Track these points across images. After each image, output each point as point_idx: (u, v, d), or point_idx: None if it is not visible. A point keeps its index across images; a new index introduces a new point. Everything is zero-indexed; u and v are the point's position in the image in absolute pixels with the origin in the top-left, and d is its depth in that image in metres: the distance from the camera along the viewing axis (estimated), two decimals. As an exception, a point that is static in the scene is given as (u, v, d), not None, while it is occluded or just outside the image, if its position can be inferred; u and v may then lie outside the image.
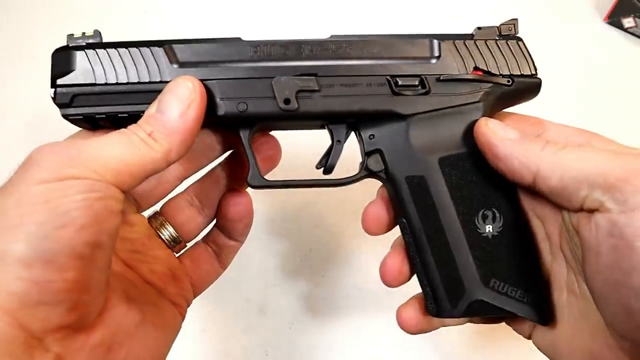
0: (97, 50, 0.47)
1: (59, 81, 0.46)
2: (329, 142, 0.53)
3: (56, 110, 0.47)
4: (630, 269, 0.36)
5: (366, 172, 0.51)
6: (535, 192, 0.44)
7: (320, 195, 0.81)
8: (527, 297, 0.47)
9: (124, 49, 0.47)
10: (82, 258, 0.36)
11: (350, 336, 0.76)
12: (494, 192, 0.48)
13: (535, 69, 0.50)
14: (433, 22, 0.96)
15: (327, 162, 0.52)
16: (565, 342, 0.46)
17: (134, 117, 0.44)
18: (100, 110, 0.46)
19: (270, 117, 0.48)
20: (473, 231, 0.48)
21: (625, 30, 0.98)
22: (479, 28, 0.51)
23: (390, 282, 0.52)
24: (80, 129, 0.50)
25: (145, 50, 0.47)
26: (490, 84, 0.49)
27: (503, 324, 0.53)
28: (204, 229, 0.57)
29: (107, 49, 0.47)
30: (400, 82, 0.48)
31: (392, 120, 0.49)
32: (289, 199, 0.82)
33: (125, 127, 0.43)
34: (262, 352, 0.75)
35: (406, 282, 0.53)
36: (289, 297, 0.77)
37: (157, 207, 0.55)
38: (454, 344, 0.76)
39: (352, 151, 0.52)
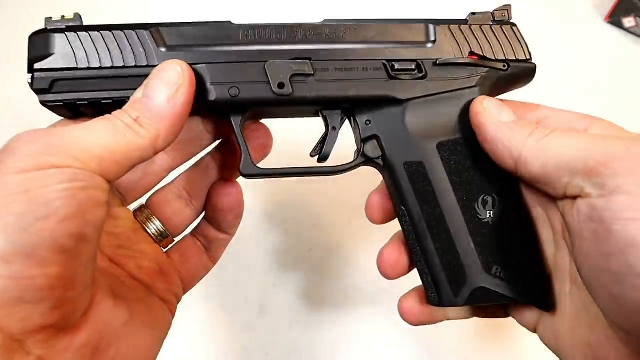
0: (78, 33, 0.44)
1: (37, 65, 0.43)
2: (322, 130, 0.51)
3: (43, 111, 0.45)
4: (609, 254, 0.35)
5: (363, 158, 0.49)
6: (519, 178, 0.45)
7: (320, 194, 0.81)
8: (528, 283, 0.47)
9: (108, 31, 0.45)
10: (65, 252, 0.33)
11: (349, 335, 0.76)
12: (493, 178, 0.48)
13: (530, 54, 0.50)
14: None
15: (321, 150, 0.50)
16: (567, 334, 0.45)
17: (119, 104, 0.42)
18: (82, 96, 0.44)
19: (264, 103, 0.47)
20: (473, 217, 0.47)
21: (626, 30, 0.98)
22: (473, 13, 0.51)
23: (387, 273, 0.52)
24: (61, 118, 0.47)
25: (130, 33, 0.45)
26: (487, 69, 0.49)
27: (503, 320, 0.53)
28: (192, 222, 0.55)
29: (90, 32, 0.44)
30: (396, 67, 0.48)
31: (388, 105, 0.48)
32: (288, 198, 0.82)
33: (109, 114, 0.41)
34: (262, 352, 0.74)
35: (405, 274, 0.52)
36: (289, 297, 0.77)
37: (142, 200, 0.53)
38: (453, 343, 0.76)
39: (345, 139, 0.51)
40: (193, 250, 0.54)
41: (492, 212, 0.48)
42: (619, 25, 0.97)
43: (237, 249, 0.78)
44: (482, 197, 0.48)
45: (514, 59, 0.50)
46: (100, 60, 0.44)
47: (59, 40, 0.44)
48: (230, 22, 0.47)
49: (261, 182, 0.79)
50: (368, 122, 0.49)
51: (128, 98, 0.42)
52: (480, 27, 0.50)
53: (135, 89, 0.42)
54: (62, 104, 0.44)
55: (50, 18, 0.45)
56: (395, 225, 0.53)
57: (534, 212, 0.48)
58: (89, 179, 0.35)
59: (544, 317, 0.48)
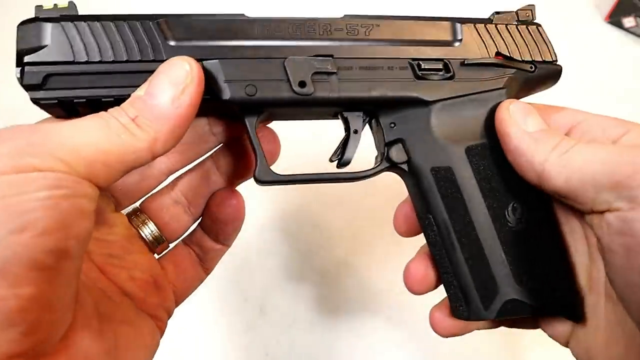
0: (75, 22, 0.40)
1: (27, 58, 0.39)
2: (337, 132, 0.48)
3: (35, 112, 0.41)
4: None
5: (387, 163, 0.47)
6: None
7: (321, 194, 0.81)
8: (560, 294, 0.44)
9: (109, 22, 0.41)
10: (43, 269, 0.29)
11: (350, 336, 0.76)
12: (523, 184, 0.44)
13: (556, 55, 0.49)
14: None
15: (342, 155, 0.47)
16: (600, 350, 0.43)
17: (121, 102, 0.38)
18: (79, 93, 0.39)
19: (282, 103, 0.43)
20: (504, 225, 0.45)
21: (626, 30, 0.97)
22: (498, 13, 0.49)
23: (414, 288, 0.49)
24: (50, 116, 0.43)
25: (134, 24, 0.41)
26: (514, 70, 0.47)
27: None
28: (189, 228, 0.51)
29: (88, 22, 0.40)
30: (423, 66, 0.45)
31: (414, 106, 0.45)
32: (288, 198, 0.81)
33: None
34: (262, 352, 0.74)
35: (432, 289, 0.50)
36: (289, 297, 0.77)
37: (137, 203, 0.50)
38: (453, 343, 0.76)
39: (363, 143, 0.48)
40: (187, 261, 0.50)
41: (522, 220, 0.45)
42: (619, 25, 0.97)
43: (237, 249, 0.78)
44: (512, 204, 0.45)
45: (541, 60, 0.48)
46: (100, 54, 0.40)
47: (53, 30, 0.39)
48: (243, 14, 0.44)
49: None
50: (393, 125, 0.46)
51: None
52: (506, 27, 0.48)
53: (139, 86, 0.38)
54: (56, 101, 0.39)
55: (41, 6, 0.40)
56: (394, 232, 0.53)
57: (568, 224, 0.46)
58: (74, 185, 0.31)
59: (576, 331, 0.46)
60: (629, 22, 0.96)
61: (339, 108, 0.47)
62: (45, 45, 0.39)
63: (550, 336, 0.49)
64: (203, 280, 0.52)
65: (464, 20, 0.47)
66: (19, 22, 0.39)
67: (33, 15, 0.40)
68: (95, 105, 0.40)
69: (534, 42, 0.48)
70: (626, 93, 0.94)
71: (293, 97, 0.43)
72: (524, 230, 0.45)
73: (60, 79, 0.39)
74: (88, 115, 0.35)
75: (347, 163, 0.48)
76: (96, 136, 0.33)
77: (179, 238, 0.51)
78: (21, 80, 0.39)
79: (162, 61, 0.39)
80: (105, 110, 0.37)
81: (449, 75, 0.46)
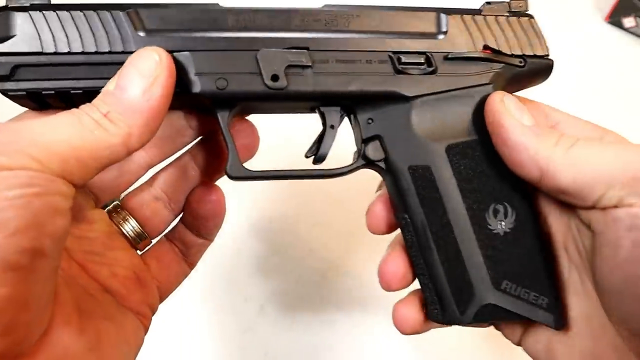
0: (44, 12, 0.39)
1: None
2: (318, 128, 0.47)
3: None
4: None
5: (364, 161, 0.45)
6: (537, 188, 0.42)
7: (321, 193, 0.81)
8: (540, 300, 0.43)
9: (79, 11, 0.39)
10: (17, 269, 0.29)
11: (350, 336, 0.76)
12: (506, 185, 0.44)
13: (548, 49, 0.46)
14: None
15: (318, 151, 0.45)
16: (562, 346, 0.44)
17: (90, 94, 0.37)
18: (48, 85, 0.39)
19: (255, 97, 0.42)
20: (483, 228, 0.43)
21: (626, 30, 0.98)
22: (488, 3, 0.46)
23: (391, 285, 0.48)
24: (26, 109, 0.42)
25: (104, 14, 0.40)
26: (502, 64, 0.45)
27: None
28: (170, 223, 0.50)
29: (58, 11, 0.39)
30: (403, 60, 0.43)
31: (393, 102, 0.44)
32: (288, 197, 0.81)
33: (78, 106, 0.36)
34: (262, 352, 0.74)
35: (408, 286, 0.49)
36: (289, 297, 0.77)
37: (117, 199, 0.49)
38: (454, 343, 0.76)
39: (343, 139, 0.47)
40: (170, 256, 0.50)
41: (503, 223, 0.44)
42: (619, 25, 0.97)
43: (237, 249, 0.78)
44: (493, 206, 0.44)
45: (531, 54, 0.46)
46: (69, 45, 0.39)
47: (21, 19, 0.38)
48: (217, 4, 0.43)
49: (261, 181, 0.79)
50: (370, 121, 0.45)
51: (101, 88, 0.37)
52: (496, 19, 0.45)
53: (109, 78, 0.37)
54: (24, 93, 0.39)
55: None
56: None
57: (560, 220, 0.45)
58: (47, 183, 0.31)
59: (531, 330, 0.46)
60: (629, 22, 0.96)
61: (314, 102, 0.45)
62: (14, 36, 0.38)
63: (504, 335, 0.49)
64: (187, 275, 0.52)
65: (450, 11, 0.45)
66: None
67: (3, 4, 0.39)
68: (65, 97, 0.40)
69: (525, 34, 0.46)
70: (626, 93, 0.94)
71: (265, 91, 0.41)
72: (505, 233, 0.44)
73: (28, 70, 0.38)
74: (60, 112, 0.35)
75: (322, 159, 0.46)
76: (68, 133, 0.33)
77: (160, 233, 0.50)
78: None
79: (132, 52, 0.38)
80: (76, 103, 0.37)
81: (430, 69, 0.44)
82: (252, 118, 0.51)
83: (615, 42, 0.97)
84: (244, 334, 0.75)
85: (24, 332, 0.30)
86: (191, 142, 0.49)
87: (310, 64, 0.42)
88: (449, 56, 0.44)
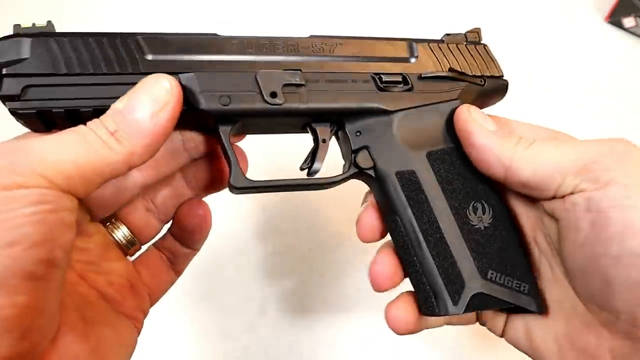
0: (56, 38, 0.41)
1: (6, 70, 0.40)
2: (306, 145, 0.51)
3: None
4: (608, 238, 0.39)
5: (355, 169, 0.49)
6: (503, 185, 0.47)
7: (318, 194, 0.81)
8: (523, 287, 0.47)
9: (88, 37, 0.42)
10: (35, 279, 0.32)
11: (350, 336, 0.76)
12: (481, 185, 0.49)
13: (502, 71, 0.54)
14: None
15: (313, 163, 0.50)
16: (540, 330, 0.47)
17: (99, 113, 0.40)
18: (58, 104, 0.40)
19: (255, 113, 0.46)
20: (466, 223, 0.48)
21: (626, 30, 0.98)
22: (448, 34, 0.54)
23: (382, 285, 0.51)
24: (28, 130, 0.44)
25: (113, 40, 0.43)
26: (466, 83, 0.52)
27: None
28: (159, 232, 0.54)
29: (68, 37, 0.42)
30: (384, 79, 0.49)
31: (377, 116, 0.49)
32: (287, 198, 0.81)
33: (85, 123, 0.38)
34: (262, 352, 0.74)
35: (397, 285, 0.52)
36: (289, 297, 0.77)
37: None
38: (454, 342, 0.76)
39: (331, 152, 0.51)
40: (160, 264, 0.53)
41: (482, 219, 0.49)
42: (619, 25, 0.98)
43: (237, 249, 0.79)
44: (472, 204, 0.49)
45: (489, 75, 0.53)
46: (80, 66, 0.41)
47: (33, 43, 0.41)
48: (216, 34, 0.47)
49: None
50: (358, 134, 0.49)
51: (109, 107, 0.40)
52: (456, 46, 0.53)
53: (118, 97, 0.39)
54: (34, 111, 0.40)
55: (19, 25, 0.42)
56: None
57: (529, 214, 0.50)
58: (56, 199, 0.33)
59: (511, 320, 0.50)
60: (629, 22, 0.96)
61: (308, 119, 0.49)
62: (25, 59, 0.40)
63: (488, 328, 0.53)
64: (174, 282, 0.55)
65: (418, 41, 0.52)
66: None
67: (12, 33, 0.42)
68: (74, 116, 0.41)
69: (482, 59, 0.54)
70: (626, 93, 0.94)
71: (265, 107, 0.45)
72: (485, 227, 0.48)
73: (39, 90, 0.40)
74: (67, 130, 0.37)
75: (316, 172, 0.50)
76: (74, 152, 0.35)
77: (150, 240, 0.53)
78: None
79: (141, 74, 0.41)
80: (84, 121, 0.39)
81: (407, 87, 0.50)
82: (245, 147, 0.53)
83: (615, 42, 0.97)
84: (244, 334, 0.75)
85: (39, 336, 0.33)
86: (184, 164, 0.52)
87: (303, 83, 0.47)
88: (422, 75, 0.51)
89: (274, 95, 0.46)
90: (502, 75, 0.54)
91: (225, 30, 0.48)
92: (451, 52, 0.53)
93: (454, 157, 0.49)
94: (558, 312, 0.47)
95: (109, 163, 0.36)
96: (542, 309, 0.47)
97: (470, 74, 0.52)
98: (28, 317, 0.32)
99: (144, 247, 0.53)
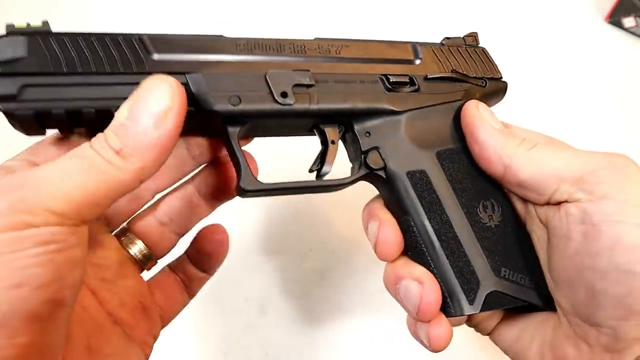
0: (54, 36, 0.39)
1: (1, 69, 0.37)
2: (311, 150, 0.50)
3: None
4: (597, 252, 0.39)
5: (366, 170, 0.49)
6: (500, 183, 0.48)
7: (319, 195, 0.81)
8: (534, 284, 0.47)
9: (90, 36, 0.40)
10: (39, 320, 0.31)
11: (350, 336, 0.76)
12: (489, 184, 0.49)
13: (501, 73, 0.55)
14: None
15: (322, 165, 0.50)
16: (528, 336, 0.48)
17: (101, 114, 0.38)
18: (59, 105, 0.38)
19: (265, 113, 0.45)
20: (477, 222, 0.48)
21: (626, 30, 0.98)
22: (447, 38, 0.55)
23: (388, 255, 0.48)
24: (43, 137, 0.42)
25: (116, 38, 0.41)
26: (469, 84, 0.53)
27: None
28: (174, 246, 0.53)
29: (67, 37, 0.39)
30: (392, 80, 0.49)
31: (386, 117, 0.49)
32: (288, 198, 0.81)
33: (87, 126, 0.37)
34: (262, 352, 0.74)
35: (400, 252, 0.49)
36: (289, 296, 0.77)
37: (125, 223, 0.51)
38: (454, 342, 0.76)
39: (337, 155, 0.51)
40: (174, 286, 0.53)
41: (493, 217, 0.49)
42: (619, 25, 0.98)
43: (237, 249, 0.78)
44: (482, 202, 0.49)
45: (490, 76, 0.54)
46: (81, 65, 0.39)
47: (30, 42, 0.38)
48: (222, 35, 0.45)
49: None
50: (368, 134, 0.49)
51: (111, 108, 0.38)
52: (457, 49, 0.54)
53: (122, 98, 0.37)
54: (32, 112, 0.38)
55: (13, 25, 0.39)
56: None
57: (527, 216, 0.49)
58: (67, 237, 0.32)
59: (505, 321, 0.51)
60: (629, 22, 0.96)
61: (317, 120, 0.49)
62: (22, 57, 0.38)
63: (475, 326, 0.53)
64: (187, 304, 0.54)
65: (420, 44, 0.53)
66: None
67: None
68: (75, 118, 0.39)
69: (482, 62, 0.55)
70: (626, 93, 0.94)
71: (275, 108, 0.45)
72: (496, 225, 0.48)
73: (37, 90, 0.38)
74: (72, 153, 0.35)
75: (325, 174, 0.50)
76: (82, 180, 0.33)
77: (165, 254, 0.53)
78: None
79: (146, 73, 0.39)
80: (84, 123, 0.38)
81: (414, 88, 0.50)
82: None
83: (615, 42, 0.97)
84: (244, 334, 0.75)
85: None
86: (191, 171, 0.51)
87: (313, 84, 0.46)
88: (428, 77, 0.51)
89: (284, 95, 0.45)
90: (501, 77, 0.55)
91: (223, 31, 0.47)
92: (452, 54, 0.53)
93: (463, 156, 0.50)
94: (547, 318, 0.47)
95: (119, 183, 0.34)
96: (553, 306, 0.47)
97: (472, 76, 0.53)
98: (29, 357, 0.31)
99: (159, 266, 0.53)
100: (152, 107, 0.35)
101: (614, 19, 0.97)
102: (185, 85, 0.42)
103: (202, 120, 0.44)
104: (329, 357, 0.75)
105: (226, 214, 0.56)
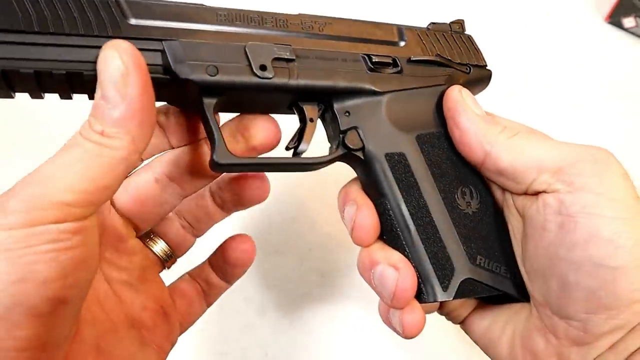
0: None
1: None
2: (291, 129, 0.49)
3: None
4: (572, 244, 0.40)
5: (344, 149, 0.48)
6: (479, 171, 0.48)
7: (319, 194, 0.81)
8: (509, 274, 0.47)
9: None
10: (40, 316, 0.32)
11: (350, 336, 0.76)
12: (468, 170, 0.49)
13: (485, 61, 0.55)
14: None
15: (299, 143, 0.48)
16: (500, 326, 0.48)
17: (72, 77, 0.37)
18: (27, 65, 0.37)
19: (243, 86, 0.43)
20: (455, 208, 0.48)
21: (626, 30, 0.98)
22: (433, 23, 0.55)
23: (365, 239, 0.48)
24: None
25: (91, 0, 0.39)
26: (453, 69, 0.53)
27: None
28: (192, 245, 0.55)
29: None
30: (375, 60, 0.49)
31: (367, 97, 0.48)
32: (287, 198, 0.81)
33: (59, 91, 0.37)
34: (262, 352, 0.74)
35: (377, 236, 0.48)
36: (289, 297, 0.77)
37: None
38: (454, 342, 0.76)
39: (317, 136, 0.49)
40: (194, 294, 0.53)
41: (471, 203, 0.48)
42: (619, 25, 0.97)
43: (237, 249, 0.78)
44: (460, 188, 0.48)
45: (474, 63, 0.54)
46: (53, 25, 0.37)
47: None
48: (203, 5, 0.44)
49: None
50: (347, 114, 0.48)
51: (83, 71, 0.37)
52: (443, 34, 0.54)
53: (94, 62, 0.36)
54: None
55: None
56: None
57: (505, 205, 0.49)
58: (75, 236, 0.33)
59: (477, 310, 0.51)
60: (629, 22, 0.96)
61: (296, 96, 0.48)
62: None
63: (446, 314, 0.53)
64: (204, 312, 0.55)
65: (405, 27, 0.53)
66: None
67: None
68: (44, 79, 0.38)
69: (467, 48, 0.55)
70: (626, 93, 0.94)
71: (253, 81, 0.43)
72: (473, 212, 0.48)
73: (5, 47, 0.36)
74: (68, 145, 0.35)
75: (302, 152, 0.49)
76: (85, 168, 0.34)
77: (185, 252, 0.54)
78: None
79: (121, 37, 0.37)
80: (54, 85, 0.37)
81: (397, 69, 0.50)
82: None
83: (615, 42, 0.97)
84: (243, 334, 0.75)
85: None
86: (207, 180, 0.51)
87: (294, 58, 0.45)
88: (411, 59, 0.51)
89: (263, 68, 0.43)
90: (486, 65, 0.55)
91: (205, 1, 0.46)
92: (438, 39, 0.53)
93: (443, 140, 0.49)
94: (521, 309, 0.47)
95: (118, 161, 0.35)
96: (527, 296, 0.47)
97: (457, 62, 0.53)
98: (29, 350, 0.32)
99: (180, 271, 0.54)
100: (112, 79, 0.35)
101: (614, 19, 0.97)
102: (162, 52, 0.41)
103: (177, 89, 0.42)
104: (329, 357, 0.75)
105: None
